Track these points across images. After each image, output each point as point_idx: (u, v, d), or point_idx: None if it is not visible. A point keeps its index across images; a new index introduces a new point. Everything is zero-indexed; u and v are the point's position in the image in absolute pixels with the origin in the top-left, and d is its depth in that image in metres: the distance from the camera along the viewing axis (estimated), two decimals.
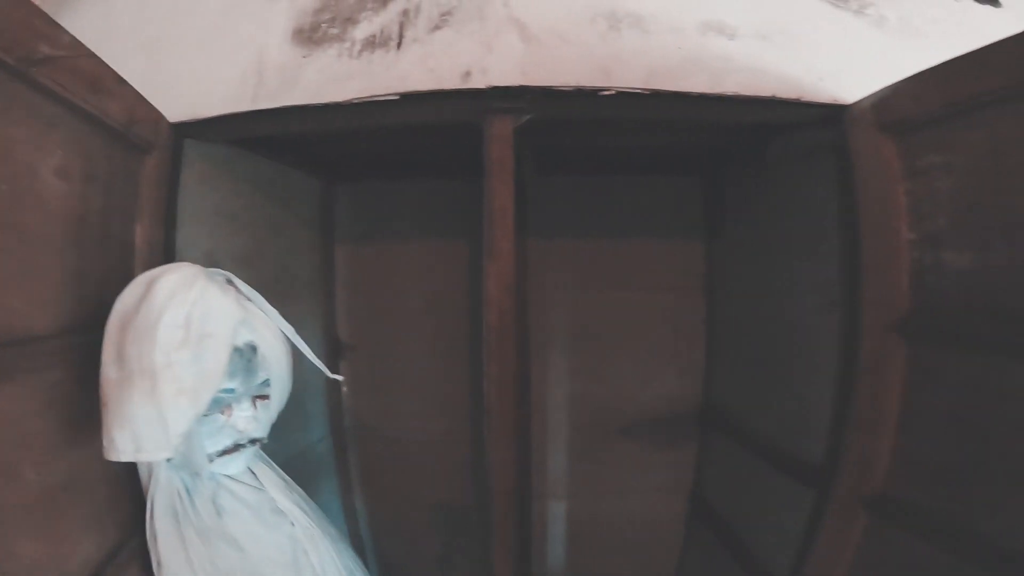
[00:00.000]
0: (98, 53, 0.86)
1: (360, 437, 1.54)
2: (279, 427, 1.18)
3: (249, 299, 0.77)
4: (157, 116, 1.03)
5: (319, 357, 1.53)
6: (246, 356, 0.78)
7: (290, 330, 0.79)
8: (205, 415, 0.76)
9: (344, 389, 0.87)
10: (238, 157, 1.29)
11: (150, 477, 0.81)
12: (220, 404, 0.79)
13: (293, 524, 0.89)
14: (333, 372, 1.54)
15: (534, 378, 1.42)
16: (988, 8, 1.20)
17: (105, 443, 0.67)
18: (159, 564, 0.80)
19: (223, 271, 0.81)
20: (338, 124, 1.08)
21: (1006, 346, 0.70)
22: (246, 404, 0.81)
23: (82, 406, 0.76)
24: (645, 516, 1.62)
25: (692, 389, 1.54)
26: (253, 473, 0.89)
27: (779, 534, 1.11)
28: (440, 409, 1.57)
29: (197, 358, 0.66)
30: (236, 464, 0.85)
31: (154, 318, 0.67)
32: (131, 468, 0.84)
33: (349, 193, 1.60)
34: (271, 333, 0.78)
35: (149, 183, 1.01)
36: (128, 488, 0.86)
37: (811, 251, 1.08)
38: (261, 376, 0.81)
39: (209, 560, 0.80)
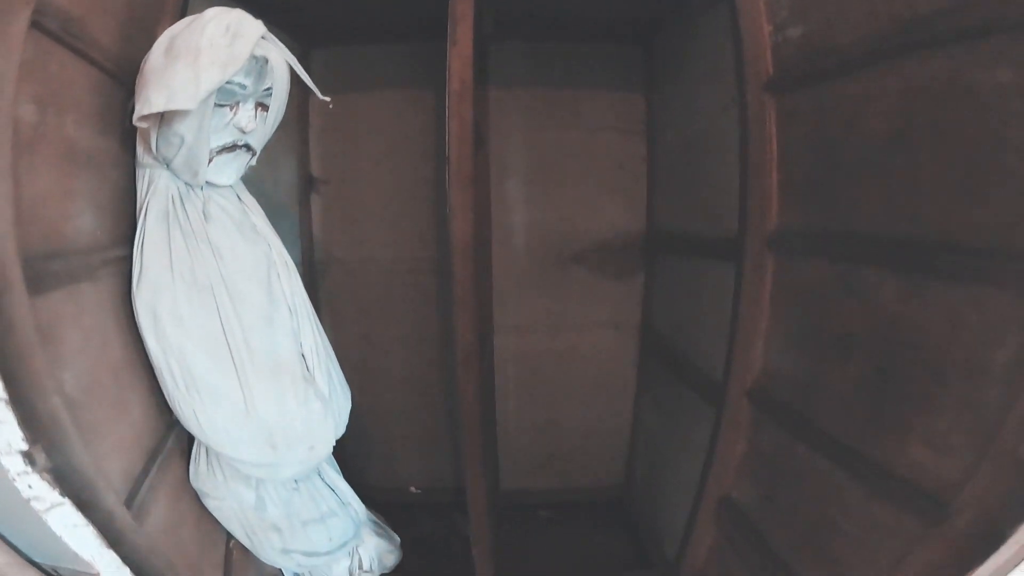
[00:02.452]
0: None
1: (329, 269, 1.82)
2: None
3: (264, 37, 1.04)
4: None
5: (293, 188, 1.82)
6: (259, 64, 1.02)
7: (294, 60, 1.06)
8: (219, 105, 1.00)
9: (330, 106, 1.09)
10: None
11: (148, 189, 1.04)
12: (232, 97, 1.02)
13: (270, 246, 1.15)
14: (304, 205, 1.84)
15: (494, 209, 1.73)
16: None
17: (139, 106, 0.92)
18: (140, 272, 1.01)
19: None
20: None
21: (833, 71, 1.05)
22: (250, 106, 1.06)
23: (117, 116, 1.03)
24: (600, 353, 1.97)
25: (636, 218, 1.90)
26: (239, 198, 1.14)
27: (713, 329, 1.44)
28: (405, 237, 1.87)
29: (231, 44, 0.92)
30: (229, 170, 1.09)
31: (204, 23, 0.95)
32: (132, 188, 1.07)
33: (325, 56, 1.89)
34: (280, 57, 1.03)
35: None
36: (128, 206, 1.08)
37: (716, 75, 1.46)
38: (267, 83, 1.04)
39: (189, 267, 1.03)
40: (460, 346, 1.37)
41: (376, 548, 1.71)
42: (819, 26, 1.08)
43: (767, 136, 1.19)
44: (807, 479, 1.19)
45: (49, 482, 0.76)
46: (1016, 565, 0.79)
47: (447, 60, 1.30)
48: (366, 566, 1.70)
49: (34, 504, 0.75)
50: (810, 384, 1.19)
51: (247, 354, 1.06)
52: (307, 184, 1.81)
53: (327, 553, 1.46)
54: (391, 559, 1.79)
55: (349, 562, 1.65)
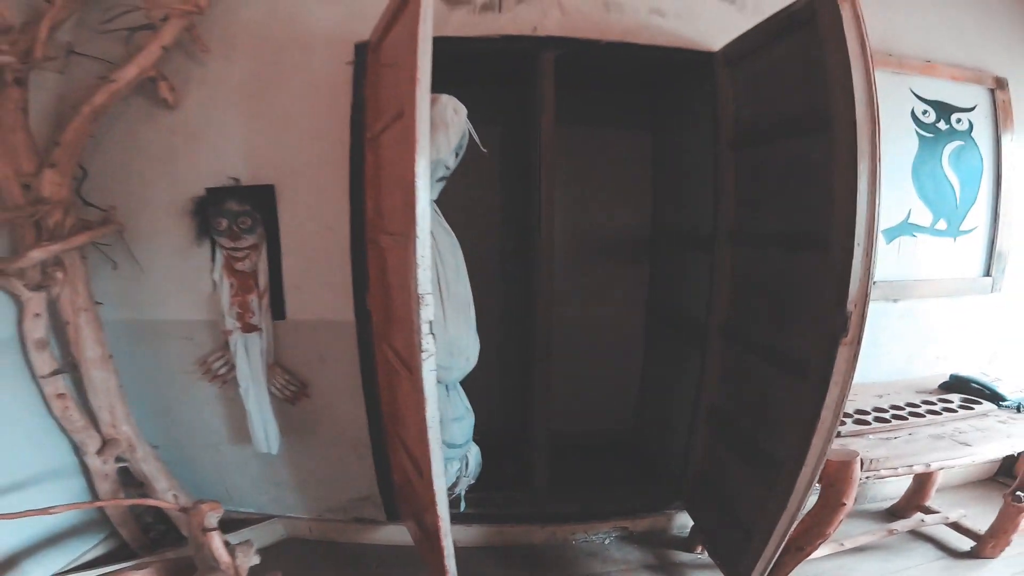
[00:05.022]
0: None
1: None
2: None
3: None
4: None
5: None
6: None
7: (471, 128, 2.10)
8: (439, 158, 2.04)
9: (486, 152, 2.10)
10: None
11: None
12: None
13: (453, 236, 2.19)
14: None
15: (544, 213, 2.80)
16: None
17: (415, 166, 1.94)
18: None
19: None
20: (465, 48, 2.38)
21: (759, 140, 2.19)
22: (452, 157, 2.09)
23: None
24: (617, 322, 3.08)
25: (643, 222, 3.06)
26: (436, 208, 2.18)
27: (696, 293, 2.55)
28: (479, 234, 2.95)
29: (457, 119, 1.96)
30: (437, 190, 2.08)
31: (444, 105, 1.92)
32: None
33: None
34: (466, 126, 2.05)
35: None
36: None
37: (698, 130, 2.62)
38: (462, 141, 2.07)
39: (434, 242, 2.06)
40: (541, 294, 2.45)
41: (476, 456, 2.70)
42: (754, 114, 2.26)
43: (728, 174, 2.36)
44: (752, 374, 2.21)
45: (432, 342, 1.64)
46: (843, 401, 1.70)
47: (540, 124, 2.41)
48: (468, 471, 2.69)
49: (423, 355, 1.59)
50: (747, 314, 2.29)
51: (448, 295, 2.07)
52: None
53: (460, 446, 2.43)
54: (478, 471, 2.78)
55: (460, 465, 2.64)
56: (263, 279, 2.32)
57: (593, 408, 3.29)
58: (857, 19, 1.67)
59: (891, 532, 2.63)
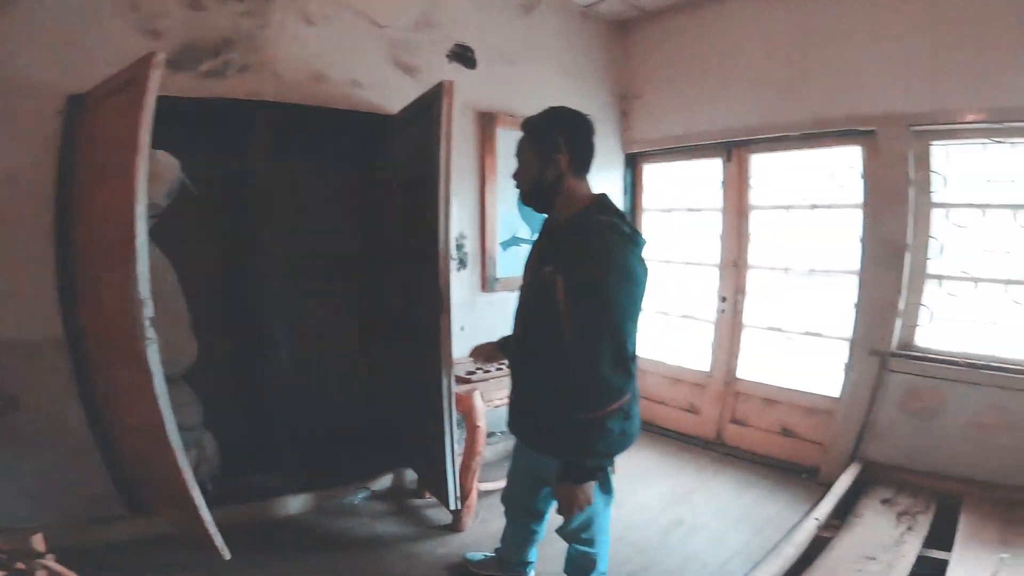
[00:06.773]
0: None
1: None
2: None
3: None
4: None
5: None
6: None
7: (183, 177, 2.80)
8: (152, 201, 2.68)
9: (196, 193, 2.86)
10: None
11: None
12: None
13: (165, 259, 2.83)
14: None
15: (256, 238, 3.41)
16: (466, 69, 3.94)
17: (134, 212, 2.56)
18: None
19: None
20: (189, 106, 3.02)
21: (416, 183, 3.37)
22: (165, 199, 2.78)
23: None
24: (338, 326, 4.02)
25: (357, 244, 4.02)
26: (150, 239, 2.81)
27: (385, 299, 3.63)
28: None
29: (167, 175, 2.68)
30: (149, 224, 2.74)
31: (157, 162, 2.62)
32: None
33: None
34: (176, 175, 2.83)
35: None
36: None
37: (385, 169, 3.67)
38: (170, 190, 2.80)
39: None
40: (258, 303, 3.22)
41: (212, 443, 3.27)
42: (412, 166, 3.31)
43: (396, 209, 3.45)
44: (415, 349, 3.20)
45: (153, 333, 2.30)
46: (450, 348, 3.18)
47: (254, 168, 3.21)
48: (207, 454, 3.26)
49: (147, 342, 2.22)
50: (407, 307, 3.34)
51: (165, 307, 2.71)
52: None
53: (192, 430, 3.02)
54: (218, 459, 3.36)
55: (196, 451, 3.19)
56: None
57: (333, 400, 4.07)
58: (450, 114, 2.79)
59: None
